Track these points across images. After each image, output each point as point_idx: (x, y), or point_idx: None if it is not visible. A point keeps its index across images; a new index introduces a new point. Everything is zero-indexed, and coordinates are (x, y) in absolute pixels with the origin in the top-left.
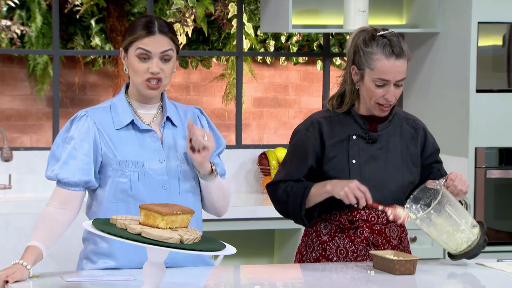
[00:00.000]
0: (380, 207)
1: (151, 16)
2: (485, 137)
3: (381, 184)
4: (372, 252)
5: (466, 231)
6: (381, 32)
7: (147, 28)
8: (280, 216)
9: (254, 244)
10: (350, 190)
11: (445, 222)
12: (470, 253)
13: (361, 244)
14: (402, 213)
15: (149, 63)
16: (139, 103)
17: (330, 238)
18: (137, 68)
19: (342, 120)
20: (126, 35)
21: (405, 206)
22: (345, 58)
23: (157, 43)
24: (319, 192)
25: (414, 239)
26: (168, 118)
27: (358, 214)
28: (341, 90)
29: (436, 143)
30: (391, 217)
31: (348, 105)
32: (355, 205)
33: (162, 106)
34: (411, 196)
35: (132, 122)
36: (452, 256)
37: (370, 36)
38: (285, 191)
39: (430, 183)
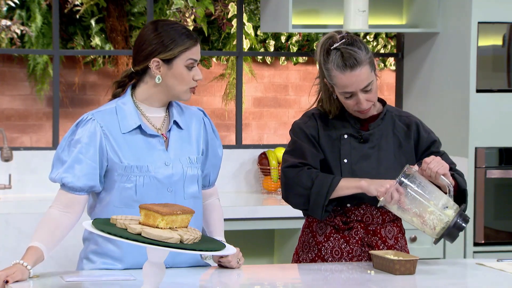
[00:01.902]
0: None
1: (180, 23)
2: (485, 137)
3: None
4: (372, 252)
5: (436, 212)
6: (335, 44)
7: (191, 37)
8: (280, 216)
9: (254, 244)
10: (390, 189)
11: (411, 204)
12: (446, 235)
13: (356, 245)
14: None
15: (194, 70)
16: (150, 107)
17: (325, 239)
18: (185, 78)
19: (334, 120)
20: (170, 46)
21: None
22: None
23: (199, 50)
24: (350, 185)
25: (414, 239)
26: (175, 122)
27: (353, 215)
28: (320, 98)
29: (433, 135)
30: (382, 203)
31: (333, 111)
32: (381, 203)
33: (168, 109)
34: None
35: (139, 127)
36: (434, 241)
37: (327, 50)
38: (310, 177)
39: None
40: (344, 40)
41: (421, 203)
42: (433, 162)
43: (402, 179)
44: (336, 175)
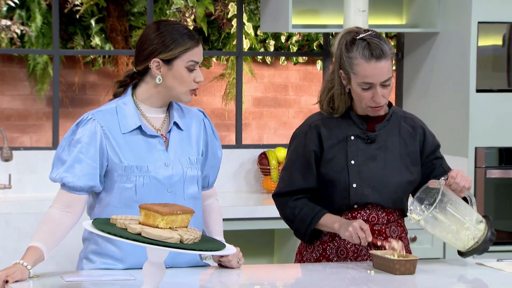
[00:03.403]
0: (379, 243)
1: (183, 24)
2: (485, 137)
3: (380, 184)
4: (372, 252)
5: (472, 228)
6: (361, 35)
7: (193, 38)
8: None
9: (254, 244)
10: (354, 231)
11: (449, 222)
12: (479, 249)
13: (361, 245)
14: (396, 246)
15: (195, 72)
16: (150, 107)
17: (330, 239)
18: (185, 79)
19: (339, 121)
20: (170, 46)
21: (408, 207)
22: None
23: (200, 52)
24: (327, 225)
25: (414, 239)
26: (175, 123)
27: (359, 215)
28: (330, 94)
29: (436, 139)
30: (388, 248)
31: (341, 109)
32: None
33: (169, 110)
34: (414, 197)
35: (139, 127)
36: (461, 254)
37: (351, 40)
38: (293, 213)
39: (432, 183)
40: (370, 32)
41: (458, 220)
42: (459, 177)
43: (442, 197)
44: (317, 212)
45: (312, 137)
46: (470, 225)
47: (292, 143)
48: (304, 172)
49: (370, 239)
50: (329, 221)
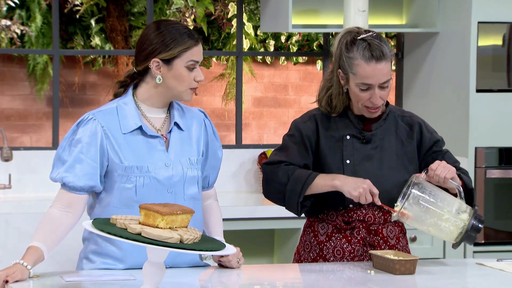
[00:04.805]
0: (386, 208)
1: (183, 24)
2: (485, 137)
3: (376, 184)
4: (372, 252)
5: (451, 219)
6: (362, 36)
7: (193, 38)
8: (280, 216)
9: (254, 244)
10: (364, 192)
11: (425, 215)
12: (465, 238)
13: (358, 245)
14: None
15: (195, 72)
16: (151, 107)
17: (327, 239)
18: (185, 78)
19: (336, 121)
20: (170, 46)
21: (395, 204)
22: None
23: (200, 52)
24: (324, 183)
25: (414, 239)
26: (175, 123)
27: (355, 215)
28: (329, 93)
29: (435, 134)
30: (396, 218)
31: (338, 108)
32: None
33: (169, 110)
34: (401, 193)
35: (139, 127)
36: (453, 245)
37: (351, 40)
38: (287, 174)
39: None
40: (371, 33)
41: (435, 213)
42: (439, 168)
43: (413, 190)
44: (312, 172)
45: (311, 126)
46: (449, 216)
47: (291, 129)
48: (301, 152)
49: (378, 203)
50: (328, 178)
